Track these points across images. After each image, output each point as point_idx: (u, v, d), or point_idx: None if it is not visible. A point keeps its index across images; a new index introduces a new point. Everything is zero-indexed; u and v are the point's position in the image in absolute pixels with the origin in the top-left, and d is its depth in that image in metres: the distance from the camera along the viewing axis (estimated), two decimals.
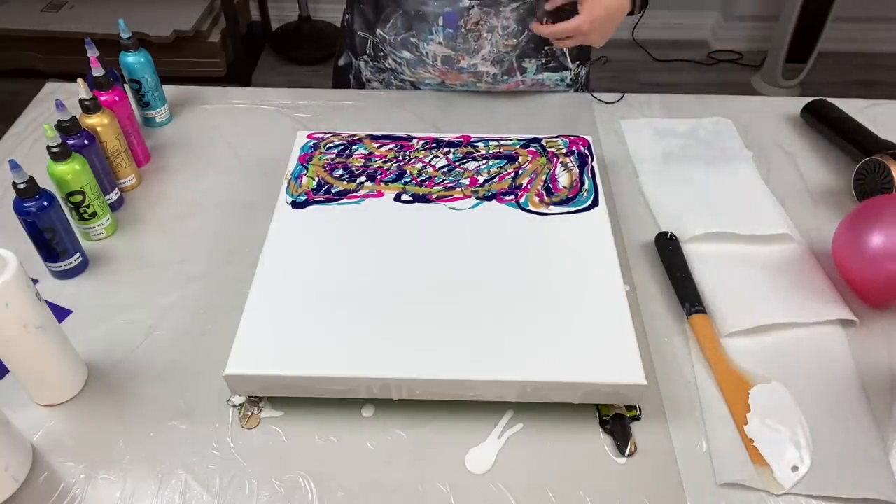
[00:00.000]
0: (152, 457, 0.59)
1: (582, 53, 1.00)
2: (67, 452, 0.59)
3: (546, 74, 0.98)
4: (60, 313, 0.70)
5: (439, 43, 0.93)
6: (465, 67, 0.95)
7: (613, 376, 0.59)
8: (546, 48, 0.95)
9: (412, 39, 0.94)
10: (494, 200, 0.76)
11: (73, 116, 0.75)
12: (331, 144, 0.84)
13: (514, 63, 0.95)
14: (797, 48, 2.28)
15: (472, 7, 0.89)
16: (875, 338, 0.69)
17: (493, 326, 0.63)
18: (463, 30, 0.91)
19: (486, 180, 0.79)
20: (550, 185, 0.78)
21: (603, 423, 0.61)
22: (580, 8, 0.83)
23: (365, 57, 1.01)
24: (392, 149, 0.83)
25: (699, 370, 0.66)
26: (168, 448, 0.60)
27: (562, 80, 1.00)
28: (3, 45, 2.29)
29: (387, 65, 1.00)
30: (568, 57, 0.98)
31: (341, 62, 1.06)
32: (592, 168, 0.81)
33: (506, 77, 0.96)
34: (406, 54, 0.96)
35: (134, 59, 0.89)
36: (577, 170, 0.80)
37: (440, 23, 0.91)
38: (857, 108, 0.96)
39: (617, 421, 0.61)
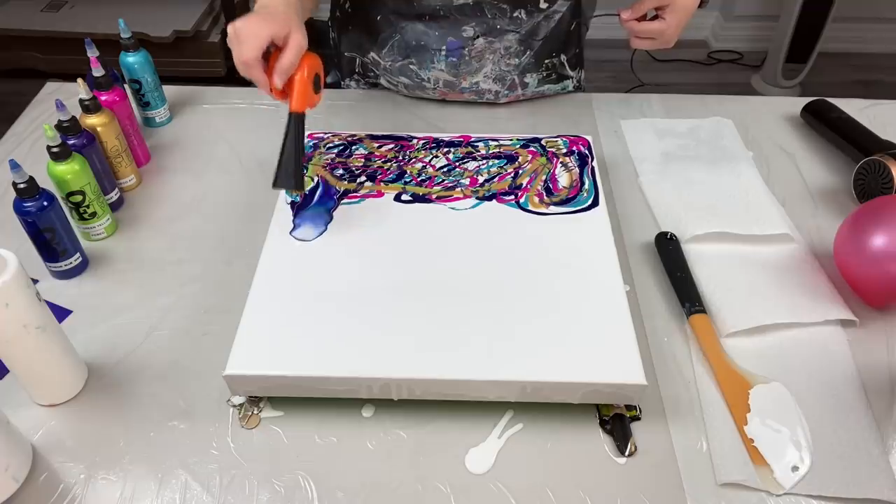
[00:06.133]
0: (152, 457, 0.59)
1: (580, 59, 1.00)
2: (67, 452, 0.59)
3: (547, 86, 0.98)
4: (60, 313, 0.70)
5: (441, 69, 0.92)
6: (466, 87, 0.94)
7: (613, 376, 0.59)
8: (546, 61, 0.95)
9: (412, 66, 0.93)
10: (494, 200, 0.76)
11: (73, 116, 0.75)
12: (331, 144, 0.84)
13: (517, 79, 0.94)
14: (797, 48, 2.28)
15: (477, 37, 0.88)
16: (875, 338, 0.69)
17: (493, 326, 0.63)
18: (466, 58, 0.90)
19: (486, 180, 0.79)
20: (550, 185, 0.78)
21: (603, 423, 0.61)
22: (663, 13, 0.79)
23: (355, 76, 1.01)
24: (392, 149, 0.83)
25: (699, 370, 0.66)
26: (168, 448, 0.60)
27: (563, 88, 1.00)
28: (3, 45, 2.29)
29: (378, 82, 0.99)
30: (567, 66, 0.97)
31: (329, 80, 1.05)
32: (592, 168, 0.81)
33: (507, 92, 0.96)
34: (404, 79, 0.95)
35: (134, 59, 0.89)
36: (577, 170, 0.80)
37: (443, 52, 0.90)
38: (857, 108, 0.96)
39: (617, 421, 0.61)
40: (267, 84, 0.69)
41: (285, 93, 0.71)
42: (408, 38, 0.90)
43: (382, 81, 0.98)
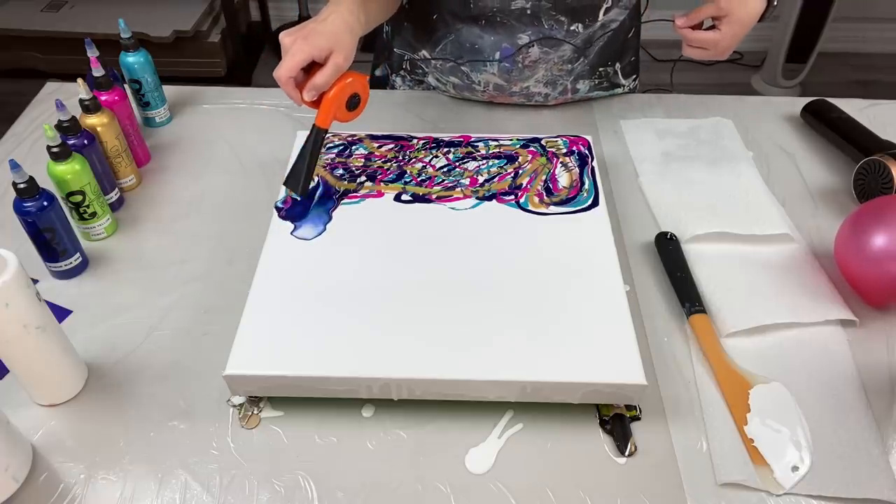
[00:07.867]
0: (152, 457, 0.59)
1: (635, 67, 1.00)
2: (67, 452, 0.59)
3: (597, 92, 0.98)
4: (60, 313, 0.70)
5: (493, 73, 0.91)
6: (516, 91, 0.94)
7: (613, 376, 0.59)
8: (601, 69, 0.94)
9: (463, 68, 0.92)
10: (494, 200, 0.76)
11: (73, 116, 0.75)
12: (331, 144, 0.84)
13: (569, 85, 0.94)
14: (797, 48, 2.28)
15: (532, 45, 0.88)
16: (875, 338, 0.69)
17: (493, 326, 0.63)
18: (520, 65, 0.90)
19: (486, 180, 0.79)
20: (550, 185, 0.78)
21: (603, 423, 0.61)
22: (719, 23, 0.76)
23: (402, 72, 1.01)
24: (392, 149, 0.83)
25: (699, 370, 0.66)
26: (168, 448, 0.60)
27: (612, 96, 1.00)
28: (3, 45, 2.29)
29: (426, 80, 0.99)
30: (620, 75, 0.97)
31: (378, 73, 1.05)
32: (592, 168, 0.81)
33: (557, 95, 0.95)
34: (454, 80, 0.95)
35: (134, 59, 0.89)
36: (577, 170, 0.80)
37: (496, 57, 0.90)
38: (856, 108, 0.96)
39: (617, 421, 0.61)
40: (298, 99, 0.71)
41: (316, 105, 0.72)
42: (462, 40, 0.90)
43: (430, 80, 0.98)
